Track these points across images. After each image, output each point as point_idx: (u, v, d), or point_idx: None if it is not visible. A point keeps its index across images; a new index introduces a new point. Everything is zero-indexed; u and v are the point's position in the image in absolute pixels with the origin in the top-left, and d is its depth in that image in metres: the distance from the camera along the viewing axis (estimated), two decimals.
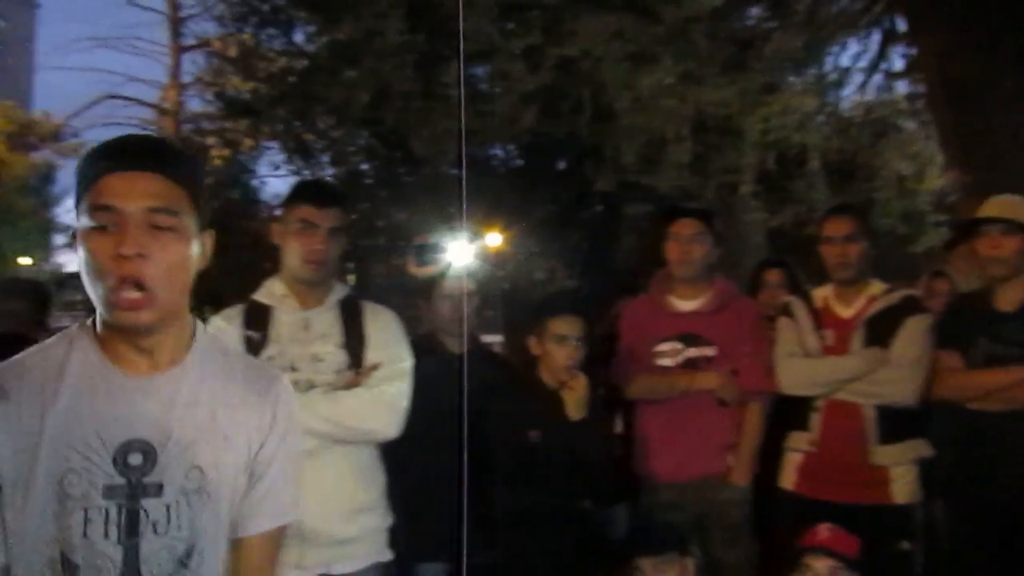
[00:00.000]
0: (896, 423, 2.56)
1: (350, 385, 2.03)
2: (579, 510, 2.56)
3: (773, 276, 3.33)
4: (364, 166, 10.32)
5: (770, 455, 2.73)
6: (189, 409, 1.15)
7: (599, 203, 11.21)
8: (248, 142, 12.93)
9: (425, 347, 2.49)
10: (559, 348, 2.51)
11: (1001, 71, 3.72)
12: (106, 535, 1.09)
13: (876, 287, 2.71)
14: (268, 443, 1.22)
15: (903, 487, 2.54)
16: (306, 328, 2.08)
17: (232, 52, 11.21)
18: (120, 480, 1.10)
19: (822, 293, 2.78)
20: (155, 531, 1.12)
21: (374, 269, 11.04)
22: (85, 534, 1.09)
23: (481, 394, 2.56)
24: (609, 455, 2.65)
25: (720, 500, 2.68)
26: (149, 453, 1.11)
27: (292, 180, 10.82)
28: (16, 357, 1.14)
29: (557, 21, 6.19)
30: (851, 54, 7.30)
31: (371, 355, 2.09)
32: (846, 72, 7.57)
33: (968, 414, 2.51)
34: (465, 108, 6.58)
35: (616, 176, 8.17)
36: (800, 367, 2.68)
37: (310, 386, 2.02)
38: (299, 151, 10.00)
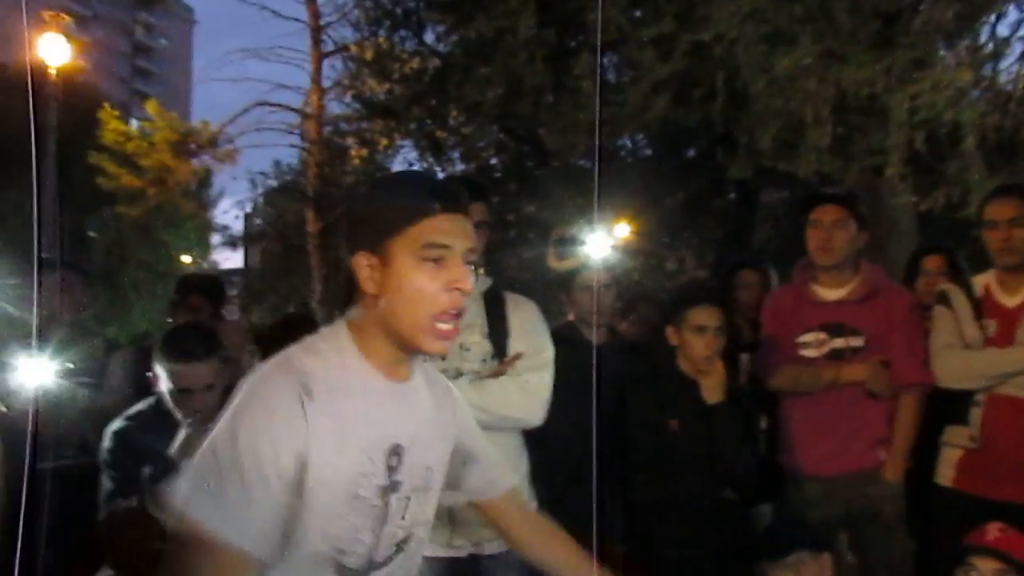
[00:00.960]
0: None
1: (495, 374, 2.11)
2: (721, 501, 2.55)
3: (933, 263, 3.16)
4: (494, 160, 10.52)
5: (925, 451, 2.61)
6: (425, 413, 1.31)
7: (733, 191, 10.94)
8: (384, 141, 13.45)
9: (566, 338, 2.55)
10: (698, 338, 2.51)
11: None
12: (372, 532, 1.23)
13: None
14: (464, 430, 1.42)
15: None
16: None
17: (368, 55, 11.67)
18: (386, 481, 1.23)
19: (984, 280, 2.62)
20: (396, 524, 1.26)
21: (505, 262, 11.24)
22: (359, 533, 1.22)
23: (620, 384, 2.60)
24: (749, 443, 2.61)
25: (871, 496, 2.58)
26: (402, 455, 1.25)
27: None
28: (291, 356, 1.22)
29: (690, 6, 6.08)
30: (1009, 22, 6.77)
31: (515, 344, 2.16)
32: (1004, 42, 7.03)
33: None
34: (594, 99, 6.60)
35: (751, 162, 7.94)
36: (959, 359, 2.54)
37: (457, 374, 2.11)
38: (432, 148, 10.32)
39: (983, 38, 7.06)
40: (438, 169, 10.39)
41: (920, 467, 2.62)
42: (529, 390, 2.09)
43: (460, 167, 10.45)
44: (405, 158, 12.53)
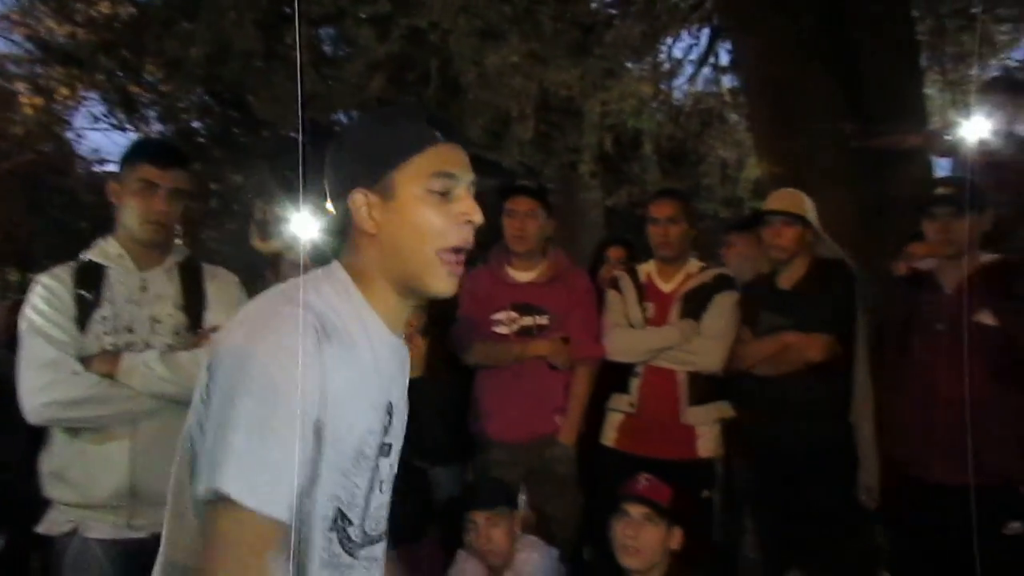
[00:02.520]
0: (705, 388, 2.85)
1: (190, 347, 2.02)
2: (414, 467, 2.68)
3: (615, 253, 3.57)
4: (196, 124, 9.80)
5: (595, 416, 2.96)
6: (406, 372, 1.23)
7: None
8: (64, 91, 11.88)
9: None
10: None
11: (808, 77, 4.13)
12: (365, 498, 1.12)
13: (694, 265, 2.98)
14: None
15: (707, 443, 2.83)
16: (143, 289, 2.04)
17: None
18: (382, 440, 1.14)
19: (647, 269, 3.02)
20: (381, 491, 1.17)
21: (205, 233, 10.55)
22: (358, 498, 1.11)
23: None
24: (445, 414, 2.77)
25: (549, 457, 2.88)
26: (392, 415, 1.16)
27: (113, 135, 10.12)
28: (297, 291, 1.07)
29: None
30: (684, 46, 7.76)
31: (211, 317, 2.08)
32: (679, 63, 8.05)
33: (755, 379, 2.84)
34: (309, 72, 6.43)
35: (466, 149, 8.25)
36: (624, 336, 2.91)
37: (147, 347, 1.99)
38: (123, 104, 9.35)
39: (662, 57, 8.00)
40: (130, 128, 9.44)
41: (591, 431, 2.96)
42: None
43: (157, 128, 9.59)
44: (90, 111, 11.18)
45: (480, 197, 1.15)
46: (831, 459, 2.74)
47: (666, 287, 2.95)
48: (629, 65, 7.90)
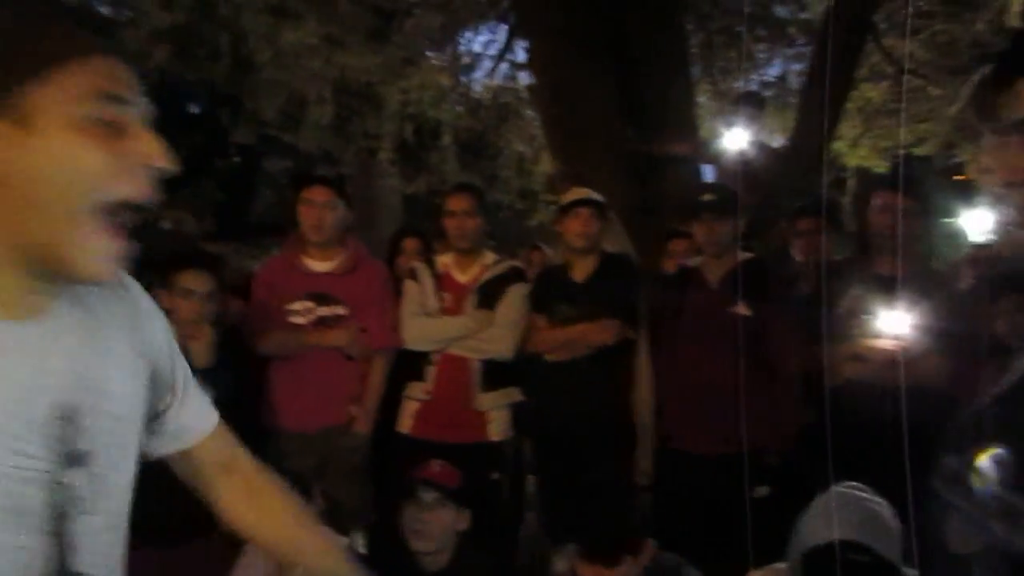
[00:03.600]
0: (496, 374, 2.97)
1: None
2: None
3: (410, 244, 3.62)
4: None
5: (391, 405, 2.99)
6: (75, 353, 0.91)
7: (237, 155, 10.76)
8: None
9: None
10: (186, 302, 2.50)
11: (592, 81, 4.40)
12: (61, 521, 0.84)
13: (488, 257, 3.10)
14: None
15: (497, 427, 2.97)
16: None
17: None
18: (69, 448, 0.84)
19: (444, 260, 3.10)
20: (90, 512, 0.86)
21: None
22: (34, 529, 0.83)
23: None
24: (233, 405, 2.68)
25: (342, 447, 2.88)
26: (75, 416, 0.86)
27: None
28: None
29: None
30: (483, 40, 7.93)
31: None
32: (478, 57, 8.22)
33: (546, 364, 3.02)
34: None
35: (256, 130, 7.94)
36: (421, 325, 2.97)
37: None
38: None
39: (462, 50, 8.12)
40: None
41: (386, 419, 2.99)
42: None
43: None
44: None
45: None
46: (611, 438, 2.95)
47: (462, 278, 3.05)
48: (429, 55, 7.95)
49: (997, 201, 0.88)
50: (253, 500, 1.13)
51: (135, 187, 0.79)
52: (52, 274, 0.80)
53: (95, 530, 0.85)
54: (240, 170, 11.02)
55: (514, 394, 3.03)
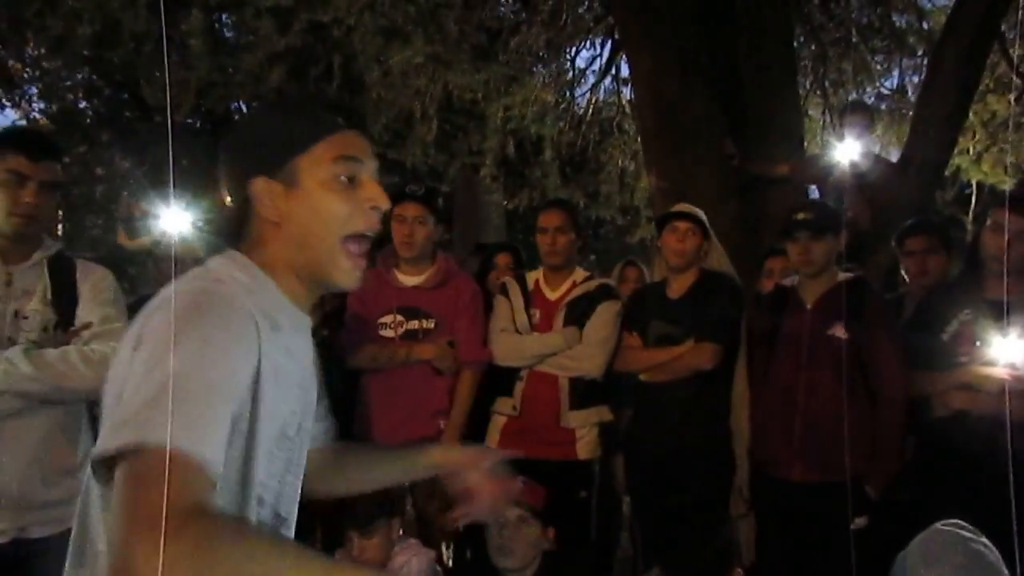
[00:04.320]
0: (585, 392, 2.95)
1: (58, 344, 1.96)
2: None
3: (503, 259, 3.66)
4: (84, 104, 9.35)
5: (480, 420, 3.01)
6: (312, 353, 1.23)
7: None
8: None
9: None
10: None
11: (693, 95, 4.33)
12: (279, 480, 1.11)
13: (579, 274, 3.09)
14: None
15: (586, 446, 2.94)
16: (8, 284, 1.97)
17: None
18: (301, 421, 1.14)
19: (535, 276, 3.11)
20: (295, 474, 1.15)
21: (89, 220, 10.07)
22: (275, 479, 1.10)
23: None
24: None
25: None
26: (306, 396, 1.17)
27: None
28: (222, 280, 1.05)
29: None
30: (587, 56, 7.95)
31: (82, 314, 2.03)
32: (581, 73, 8.24)
33: (642, 384, 2.97)
34: (205, 60, 6.26)
35: None
36: (510, 341, 2.99)
37: (11, 343, 1.92)
38: (2, 79, 8.83)
39: (565, 66, 8.17)
40: (8, 105, 8.91)
41: (473, 435, 3.01)
42: (94, 360, 1.96)
43: (40, 105, 9.10)
44: None
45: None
46: (708, 462, 2.88)
47: (552, 295, 3.05)
48: (533, 72, 8.04)
49: None
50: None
51: (367, 222, 1.10)
52: (319, 284, 1.13)
53: (294, 486, 1.15)
54: None
55: (604, 413, 3.00)
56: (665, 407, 2.90)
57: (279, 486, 1.10)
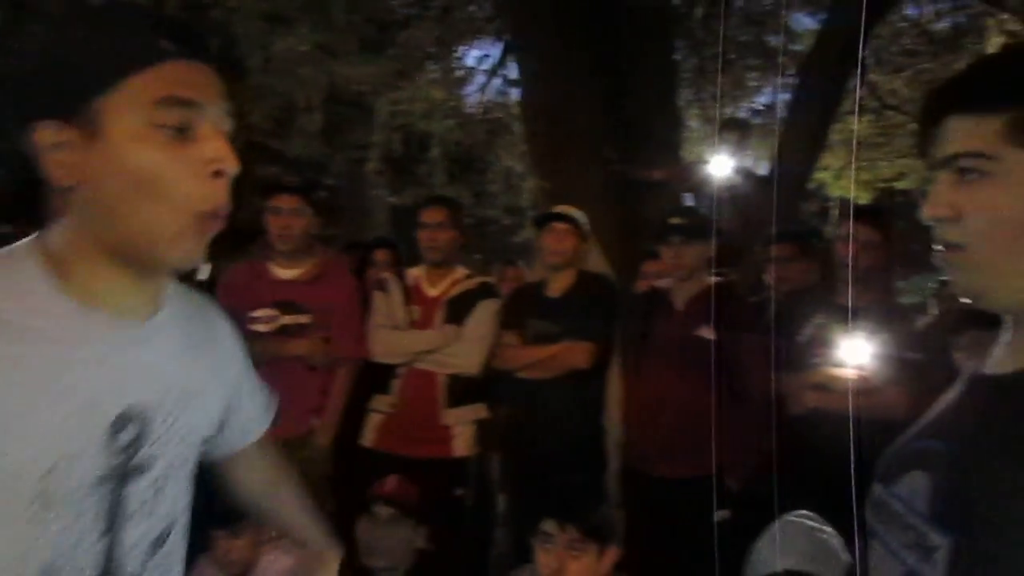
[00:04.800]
0: (463, 390, 2.95)
1: None
2: None
3: (381, 255, 3.60)
4: None
5: (352, 417, 2.96)
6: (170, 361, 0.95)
7: None
8: None
9: None
10: None
11: (578, 100, 4.42)
12: (110, 531, 0.84)
13: (460, 271, 3.08)
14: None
15: (462, 443, 2.94)
16: None
17: None
18: (131, 460, 0.85)
19: (415, 272, 3.08)
20: (138, 521, 0.87)
21: None
22: (85, 535, 0.82)
23: None
24: None
25: (301, 459, 2.83)
26: (146, 422, 0.86)
27: None
28: None
29: None
30: (477, 56, 7.98)
31: None
32: (471, 71, 8.25)
33: (519, 382, 3.00)
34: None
35: (244, 134, 7.94)
36: (388, 337, 2.95)
37: None
38: None
39: (455, 64, 8.16)
40: None
41: (349, 431, 2.96)
42: None
43: None
44: None
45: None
46: (581, 459, 2.93)
47: (432, 291, 3.03)
48: (423, 68, 7.99)
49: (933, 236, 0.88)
50: (269, 485, 1.23)
51: (207, 196, 0.81)
52: (146, 265, 0.84)
53: (144, 536, 0.87)
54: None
55: (481, 410, 3.00)
56: (541, 405, 2.93)
57: (104, 548, 0.83)
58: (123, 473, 0.84)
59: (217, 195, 0.82)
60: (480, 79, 8.29)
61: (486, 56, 8.14)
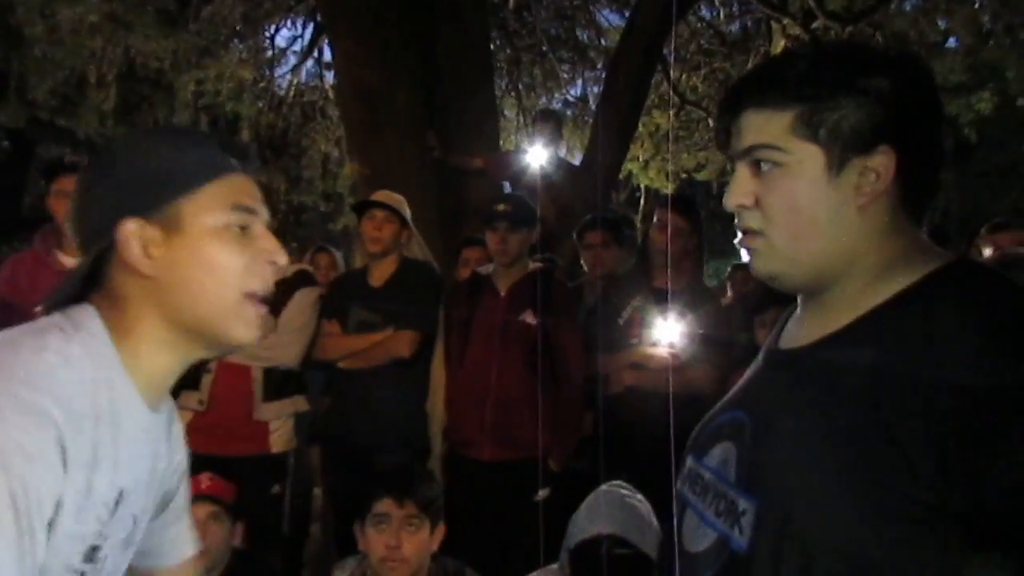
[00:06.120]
0: (280, 382, 2.83)
1: None
2: None
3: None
4: None
5: None
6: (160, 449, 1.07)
7: (5, 139, 9.77)
8: None
9: None
10: None
11: (394, 85, 4.35)
12: None
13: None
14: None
15: (280, 438, 2.82)
16: None
17: None
18: (95, 542, 0.92)
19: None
20: None
21: None
22: None
23: None
24: None
25: None
26: (119, 503, 0.93)
27: None
28: (34, 369, 0.83)
29: None
30: (287, 36, 7.68)
31: None
32: (282, 52, 7.92)
33: (340, 372, 2.93)
34: None
35: (27, 112, 7.19)
36: None
37: None
38: None
39: (265, 44, 7.80)
40: None
41: None
42: None
43: None
44: None
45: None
46: (405, 447, 2.89)
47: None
48: (229, 47, 7.58)
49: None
50: None
51: (264, 280, 0.96)
52: (209, 345, 0.98)
53: None
54: (9, 157, 9.97)
55: (300, 403, 2.90)
56: (364, 395, 2.88)
57: None
58: (86, 555, 0.90)
59: (269, 281, 0.97)
60: (292, 60, 8.00)
61: (297, 37, 7.87)
